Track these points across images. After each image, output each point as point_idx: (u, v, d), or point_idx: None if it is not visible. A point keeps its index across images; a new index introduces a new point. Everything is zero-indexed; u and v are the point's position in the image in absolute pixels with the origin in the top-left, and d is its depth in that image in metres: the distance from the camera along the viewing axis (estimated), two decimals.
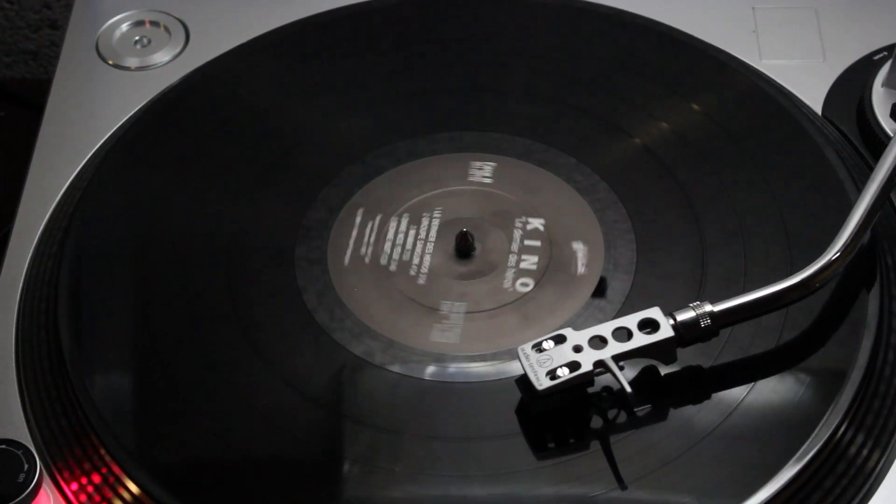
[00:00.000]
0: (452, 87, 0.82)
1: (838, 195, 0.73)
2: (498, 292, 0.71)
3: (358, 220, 0.75)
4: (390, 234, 0.74)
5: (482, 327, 0.70)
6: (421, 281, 0.72)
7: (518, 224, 0.74)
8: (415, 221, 0.75)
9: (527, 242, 0.73)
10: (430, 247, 0.74)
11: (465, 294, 0.71)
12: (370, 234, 0.74)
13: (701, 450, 0.64)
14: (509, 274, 0.72)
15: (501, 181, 0.76)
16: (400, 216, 0.75)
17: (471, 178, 0.76)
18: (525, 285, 0.71)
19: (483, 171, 0.76)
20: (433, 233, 0.74)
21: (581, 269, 0.71)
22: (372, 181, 0.77)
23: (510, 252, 0.73)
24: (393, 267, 0.73)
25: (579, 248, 0.72)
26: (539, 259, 0.72)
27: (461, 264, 0.73)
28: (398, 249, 0.73)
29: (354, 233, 0.74)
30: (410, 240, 0.74)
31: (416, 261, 0.73)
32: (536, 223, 0.74)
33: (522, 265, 0.72)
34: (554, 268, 0.72)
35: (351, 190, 0.76)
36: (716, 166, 0.76)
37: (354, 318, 0.70)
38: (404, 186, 0.76)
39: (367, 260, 0.73)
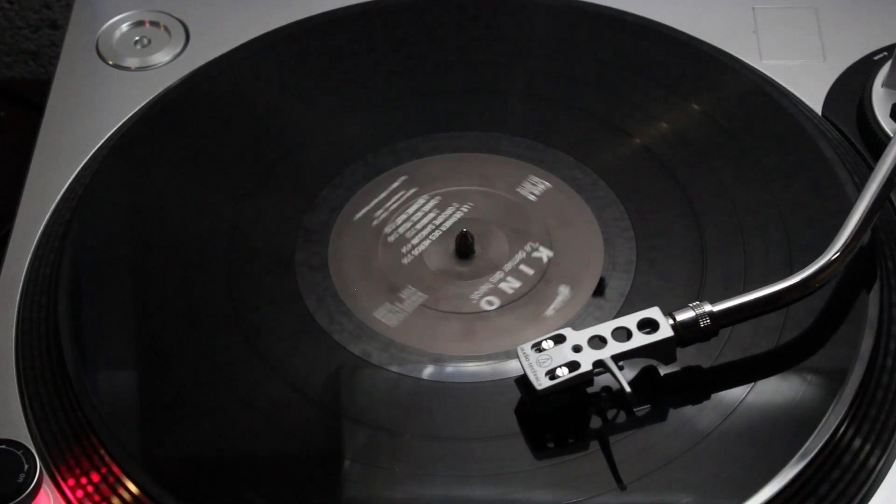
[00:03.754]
0: (452, 87, 0.82)
1: (838, 195, 0.73)
2: (462, 300, 0.71)
3: (394, 185, 0.76)
4: (411, 209, 0.74)
5: (424, 324, 0.70)
6: (405, 261, 0.72)
7: (527, 247, 0.74)
8: (440, 207, 0.75)
9: (522, 267, 0.73)
10: (436, 234, 0.74)
11: (432, 288, 0.71)
12: (395, 202, 0.75)
13: (701, 450, 0.64)
14: (484, 288, 0.72)
15: (543, 203, 0.75)
16: (431, 196, 0.75)
17: (518, 190, 0.76)
18: (490, 304, 0.71)
19: (536, 187, 0.76)
20: (447, 223, 0.74)
21: (551, 311, 0.71)
22: (429, 157, 0.77)
23: (501, 269, 0.73)
24: (391, 238, 0.73)
25: (564, 292, 0.71)
26: (521, 286, 0.72)
27: (454, 262, 0.73)
28: (407, 225, 0.74)
29: (383, 194, 0.75)
30: (425, 221, 0.74)
31: (414, 241, 0.73)
32: (543, 254, 0.73)
33: (502, 285, 0.72)
34: (528, 300, 0.71)
35: (351, 190, 0.76)
36: (716, 166, 0.76)
37: (355, 318, 0.70)
38: (455, 172, 0.77)
39: (374, 223, 0.74)
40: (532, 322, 0.70)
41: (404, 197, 0.75)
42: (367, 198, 0.76)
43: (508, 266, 0.73)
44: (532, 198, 0.76)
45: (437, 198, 0.76)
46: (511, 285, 0.72)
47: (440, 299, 0.71)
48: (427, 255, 0.73)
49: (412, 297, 0.71)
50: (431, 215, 0.75)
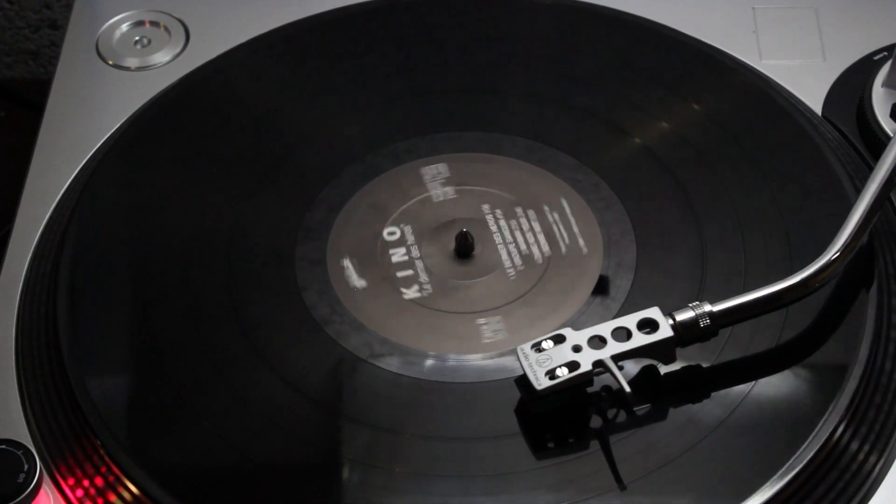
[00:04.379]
0: (452, 87, 0.82)
1: (838, 195, 0.73)
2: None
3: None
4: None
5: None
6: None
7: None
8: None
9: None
10: (434, 234, 0.74)
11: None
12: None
13: (700, 449, 0.64)
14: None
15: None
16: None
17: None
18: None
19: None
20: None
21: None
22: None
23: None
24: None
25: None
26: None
27: (454, 262, 0.73)
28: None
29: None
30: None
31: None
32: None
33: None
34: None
35: (351, 190, 0.76)
36: (716, 166, 0.76)
37: (354, 318, 0.70)
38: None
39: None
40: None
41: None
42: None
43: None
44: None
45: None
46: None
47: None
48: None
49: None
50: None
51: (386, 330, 0.70)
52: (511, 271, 0.72)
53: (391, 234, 0.74)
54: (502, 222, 0.75)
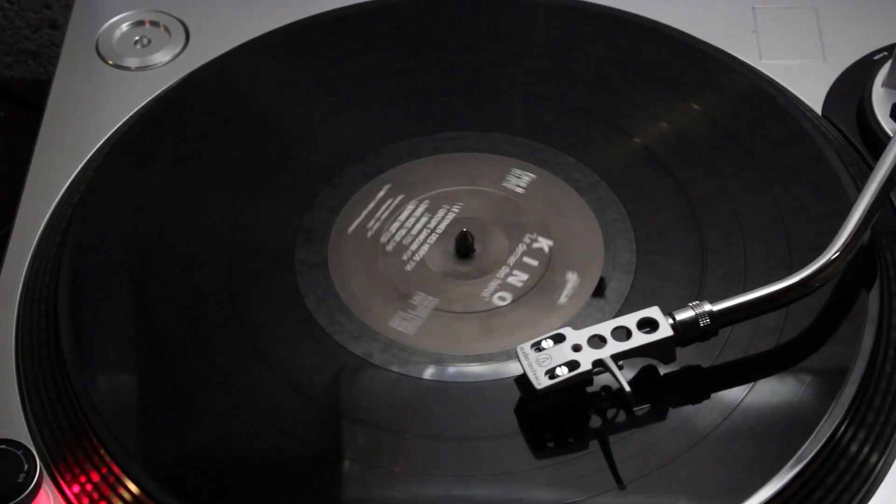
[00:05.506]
0: (452, 87, 0.82)
1: (838, 195, 0.73)
2: (474, 298, 0.71)
3: (380, 194, 0.75)
4: (403, 216, 0.74)
5: (441, 326, 0.70)
6: (408, 267, 0.72)
7: (526, 239, 0.74)
8: (431, 210, 0.75)
9: (525, 259, 0.73)
10: (433, 238, 0.74)
11: (442, 291, 0.71)
12: (385, 211, 0.74)
13: (700, 450, 0.64)
14: (493, 284, 0.72)
15: (532, 195, 0.76)
16: (420, 201, 0.75)
17: (504, 184, 0.76)
18: (502, 299, 0.71)
19: (520, 179, 0.76)
20: (442, 226, 0.74)
21: (563, 299, 0.71)
22: (408, 163, 0.77)
23: (505, 264, 0.73)
24: (390, 247, 0.73)
25: (572, 278, 0.71)
26: (528, 278, 0.72)
27: (457, 263, 0.73)
28: (402, 232, 0.73)
29: (371, 205, 0.75)
30: (419, 226, 0.74)
31: (413, 247, 0.73)
32: (544, 244, 0.73)
33: (510, 279, 0.72)
34: (538, 291, 0.72)
35: (352, 190, 0.76)
36: (716, 166, 0.76)
37: (354, 318, 0.70)
38: (438, 175, 0.77)
39: (369, 234, 0.74)
40: (547, 312, 0.70)
41: (393, 205, 0.75)
42: (356, 210, 0.75)
43: (513, 259, 0.73)
44: (520, 190, 0.76)
45: (426, 201, 0.75)
46: (519, 278, 0.72)
47: (452, 301, 0.71)
48: (428, 259, 0.73)
49: (423, 302, 0.71)
50: (424, 220, 0.74)
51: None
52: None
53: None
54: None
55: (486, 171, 0.77)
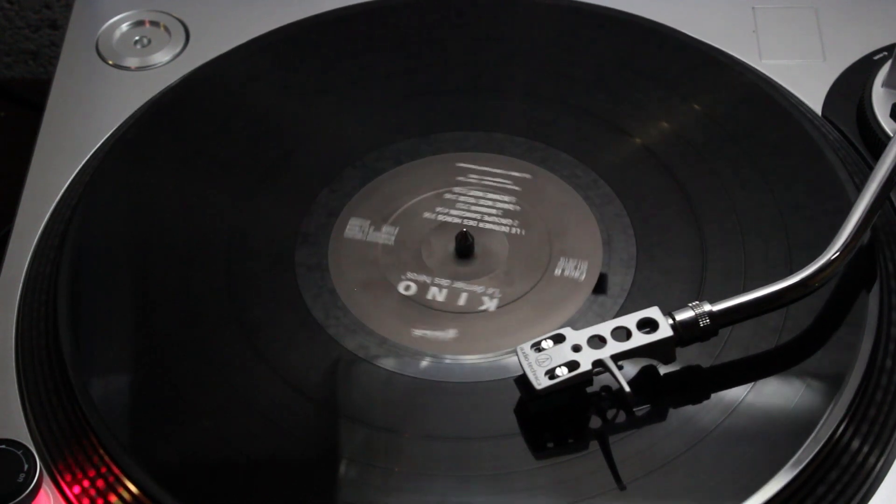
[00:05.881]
0: (452, 87, 0.82)
1: (838, 195, 0.73)
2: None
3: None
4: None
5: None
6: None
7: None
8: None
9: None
10: (433, 238, 0.74)
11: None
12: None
13: (700, 450, 0.64)
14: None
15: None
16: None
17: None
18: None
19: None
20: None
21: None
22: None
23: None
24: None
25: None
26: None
27: (457, 263, 0.73)
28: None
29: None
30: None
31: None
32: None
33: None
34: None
35: (351, 191, 0.76)
36: (716, 166, 0.76)
37: (354, 318, 0.70)
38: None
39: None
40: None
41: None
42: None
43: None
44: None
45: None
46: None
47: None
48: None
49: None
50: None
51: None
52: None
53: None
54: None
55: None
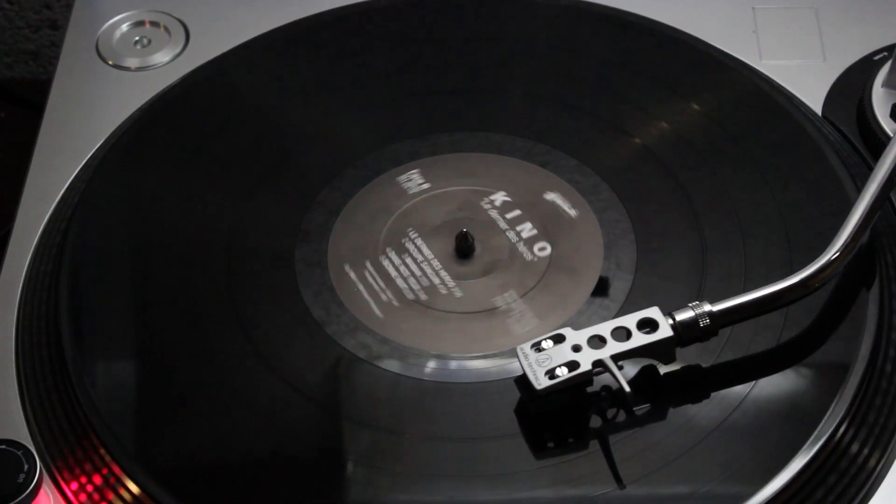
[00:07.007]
0: (452, 87, 0.82)
1: (838, 195, 0.73)
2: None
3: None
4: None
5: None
6: (409, 268, 0.72)
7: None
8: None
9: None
10: (433, 238, 0.74)
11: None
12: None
13: (700, 450, 0.64)
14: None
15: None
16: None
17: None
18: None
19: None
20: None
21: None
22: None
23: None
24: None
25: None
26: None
27: (457, 263, 0.73)
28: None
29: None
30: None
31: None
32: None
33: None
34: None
35: (352, 190, 0.76)
36: (716, 166, 0.76)
37: (354, 318, 0.70)
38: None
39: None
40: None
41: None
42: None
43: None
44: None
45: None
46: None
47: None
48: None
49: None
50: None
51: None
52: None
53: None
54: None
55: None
